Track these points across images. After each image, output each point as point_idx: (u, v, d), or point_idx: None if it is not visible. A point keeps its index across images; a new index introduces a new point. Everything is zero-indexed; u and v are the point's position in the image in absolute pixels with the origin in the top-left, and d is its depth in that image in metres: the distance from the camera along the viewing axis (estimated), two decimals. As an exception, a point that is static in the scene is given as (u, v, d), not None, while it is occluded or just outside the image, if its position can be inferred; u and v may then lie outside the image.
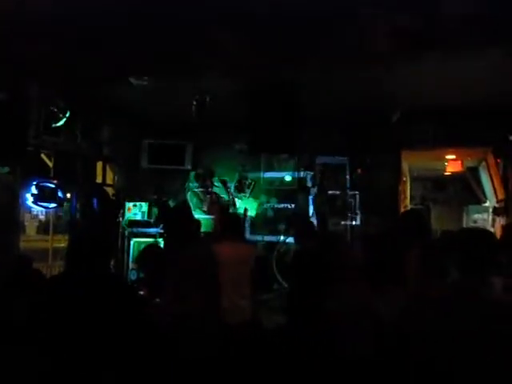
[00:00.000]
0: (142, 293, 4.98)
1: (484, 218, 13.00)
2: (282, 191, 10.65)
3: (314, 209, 10.14)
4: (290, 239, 9.53)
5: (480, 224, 12.44)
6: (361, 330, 3.13)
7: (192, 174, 10.67)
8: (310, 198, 10.39)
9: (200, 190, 10.43)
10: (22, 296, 4.21)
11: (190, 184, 10.66)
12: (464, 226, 13.27)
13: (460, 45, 5.89)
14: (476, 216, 13.31)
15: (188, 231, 4.96)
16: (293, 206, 10.55)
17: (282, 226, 10.35)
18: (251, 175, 10.52)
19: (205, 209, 10.27)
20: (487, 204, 13.16)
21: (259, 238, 10.37)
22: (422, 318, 2.96)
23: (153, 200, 10.00)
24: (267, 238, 10.36)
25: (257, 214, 10.55)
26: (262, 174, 10.61)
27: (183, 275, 4.51)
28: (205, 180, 10.37)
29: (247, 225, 10.36)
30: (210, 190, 10.39)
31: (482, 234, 3.32)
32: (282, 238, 10.07)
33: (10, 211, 7.29)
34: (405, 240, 4.70)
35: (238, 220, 6.92)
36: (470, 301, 2.94)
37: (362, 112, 8.96)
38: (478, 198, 13.77)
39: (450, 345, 2.81)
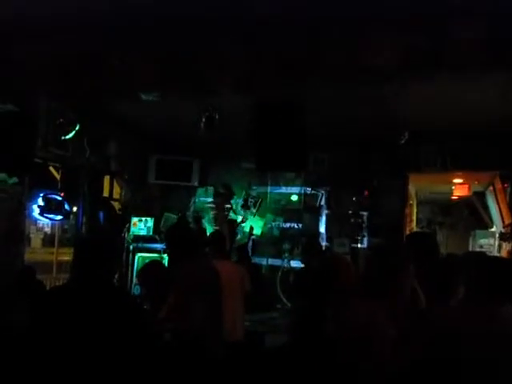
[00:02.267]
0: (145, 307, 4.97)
1: (490, 243, 12.94)
2: (288, 210, 10.65)
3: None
4: (295, 262, 9.56)
5: (486, 249, 12.37)
6: (364, 351, 3.10)
7: (201, 190, 10.71)
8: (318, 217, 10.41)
9: (215, 207, 10.38)
10: (24, 306, 4.21)
11: (203, 199, 10.69)
12: (470, 250, 13.20)
13: (469, 68, 5.91)
14: (482, 241, 13.25)
15: (191, 247, 4.96)
16: (299, 225, 10.54)
17: (287, 247, 10.34)
18: (258, 191, 10.53)
19: (216, 225, 10.23)
20: (494, 229, 13.11)
21: (263, 260, 10.32)
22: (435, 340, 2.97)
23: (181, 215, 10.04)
24: (272, 261, 10.32)
25: (262, 233, 10.54)
26: (268, 189, 10.62)
27: (186, 290, 4.50)
28: (224, 199, 10.32)
29: (251, 244, 10.31)
30: (226, 207, 10.37)
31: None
32: (286, 260, 10.05)
33: (16, 222, 7.31)
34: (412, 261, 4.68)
35: (223, 238, 6.90)
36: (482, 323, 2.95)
37: (370, 134, 8.98)
38: (484, 223, 13.73)
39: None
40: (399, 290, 3.24)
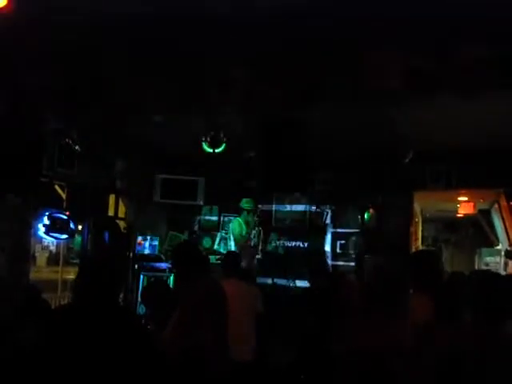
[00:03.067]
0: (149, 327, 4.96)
1: (496, 261, 12.88)
2: (293, 229, 10.63)
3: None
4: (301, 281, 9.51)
5: (492, 267, 12.32)
6: (371, 368, 3.09)
7: (206, 208, 10.73)
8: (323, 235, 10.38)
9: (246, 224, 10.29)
10: (29, 325, 4.20)
11: (208, 217, 10.74)
12: (476, 268, 13.14)
13: (473, 86, 5.92)
14: (488, 259, 13.19)
15: (197, 265, 4.95)
16: (305, 244, 10.51)
17: (293, 267, 10.31)
18: (262, 209, 10.52)
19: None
20: (499, 247, 13.06)
21: (269, 279, 10.25)
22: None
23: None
24: (278, 281, 10.27)
25: (267, 252, 10.49)
26: (273, 208, 10.61)
27: (191, 308, 4.49)
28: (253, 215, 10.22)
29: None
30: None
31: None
32: (291, 279, 9.99)
33: (21, 241, 7.32)
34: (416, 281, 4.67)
35: (238, 259, 6.91)
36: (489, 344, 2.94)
37: (375, 152, 8.99)
38: (490, 241, 13.68)
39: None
40: (402, 307, 3.24)
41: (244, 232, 9.85)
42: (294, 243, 10.62)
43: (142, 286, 9.38)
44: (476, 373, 2.91)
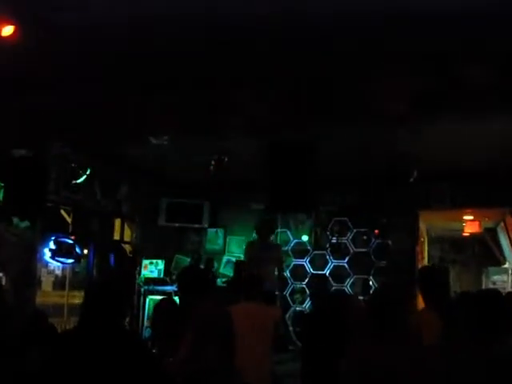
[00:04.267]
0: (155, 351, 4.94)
1: (503, 279, 12.84)
2: (298, 251, 10.62)
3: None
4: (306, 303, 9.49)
5: (499, 286, 12.26)
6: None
7: (211, 231, 10.73)
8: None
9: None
10: (36, 351, 4.20)
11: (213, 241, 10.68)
12: (483, 287, 13.08)
13: (477, 108, 5.96)
14: (495, 277, 13.14)
15: (202, 289, 4.96)
16: (310, 265, 10.48)
17: (297, 287, 10.29)
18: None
19: None
20: (506, 265, 13.00)
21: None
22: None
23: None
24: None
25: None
26: (278, 230, 10.60)
27: (196, 332, 4.48)
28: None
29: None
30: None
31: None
32: (297, 301, 9.96)
33: (28, 266, 7.34)
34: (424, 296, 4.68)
35: (259, 282, 6.78)
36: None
37: (379, 172, 9.01)
38: (496, 260, 13.62)
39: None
40: (406, 327, 3.23)
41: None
42: (299, 265, 10.60)
43: (151, 309, 9.37)
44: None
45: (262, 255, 8.33)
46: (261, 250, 8.41)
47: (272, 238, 9.05)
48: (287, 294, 10.38)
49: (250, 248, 8.72)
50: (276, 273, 8.56)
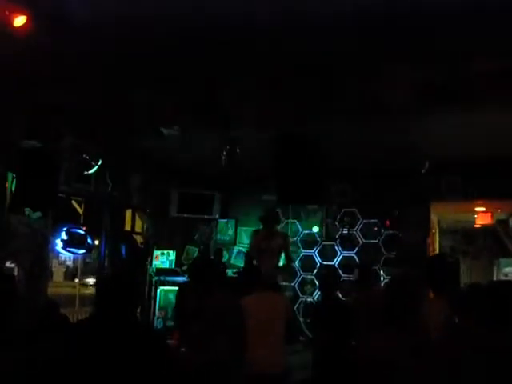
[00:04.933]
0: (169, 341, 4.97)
1: (515, 271, 12.80)
2: (309, 242, 10.62)
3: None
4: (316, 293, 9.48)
5: (511, 277, 12.22)
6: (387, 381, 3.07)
7: (222, 222, 10.73)
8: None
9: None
10: (48, 341, 4.22)
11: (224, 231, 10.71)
12: (495, 279, 13.03)
13: (488, 98, 5.91)
14: (507, 269, 13.10)
15: (213, 280, 4.97)
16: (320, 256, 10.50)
17: (308, 278, 10.30)
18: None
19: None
20: (518, 257, 12.96)
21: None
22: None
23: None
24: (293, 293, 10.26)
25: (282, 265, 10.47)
26: (289, 221, 10.61)
27: (207, 323, 4.50)
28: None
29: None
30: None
31: None
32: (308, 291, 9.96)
33: (40, 257, 7.38)
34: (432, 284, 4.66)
35: (256, 271, 6.80)
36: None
37: (391, 164, 8.98)
38: (508, 251, 13.56)
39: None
40: (417, 318, 3.22)
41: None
42: (309, 256, 10.61)
43: (162, 299, 9.45)
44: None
45: (265, 244, 8.36)
46: (264, 239, 8.44)
47: (278, 227, 9.04)
48: (296, 285, 10.42)
49: (254, 237, 8.76)
50: (281, 263, 8.59)
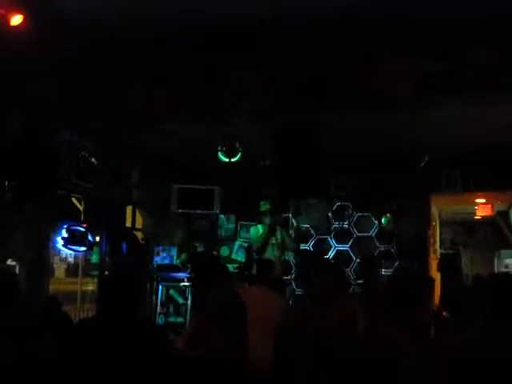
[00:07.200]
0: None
1: (516, 262, 12.82)
2: (309, 236, 10.64)
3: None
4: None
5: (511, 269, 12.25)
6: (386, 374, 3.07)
7: (223, 217, 10.75)
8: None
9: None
10: (50, 338, 4.23)
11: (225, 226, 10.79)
12: (495, 270, 13.05)
13: (487, 91, 5.90)
14: (508, 261, 13.11)
15: (213, 276, 4.97)
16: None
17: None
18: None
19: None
20: (519, 248, 12.98)
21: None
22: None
23: None
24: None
25: (284, 260, 10.47)
26: (290, 216, 10.62)
27: (209, 318, 4.50)
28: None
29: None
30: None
31: None
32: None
33: (41, 254, 7.38)
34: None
35: (271, 267, 6.74)
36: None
37: (390, 157, 8.98)
38: (509, 242, 13.58)
39: None
40: (419, 311, 3.22)
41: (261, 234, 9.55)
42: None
43: (163, 295, 9.47)
44: (489, 375, 2.90)
45: (266, 240, 8.38)
46: (265, 236, 8.46)
47: (277, 222, 9.08)
48: (291, 279, 10.43)
49: (255, 233, 8.77)
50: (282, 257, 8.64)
